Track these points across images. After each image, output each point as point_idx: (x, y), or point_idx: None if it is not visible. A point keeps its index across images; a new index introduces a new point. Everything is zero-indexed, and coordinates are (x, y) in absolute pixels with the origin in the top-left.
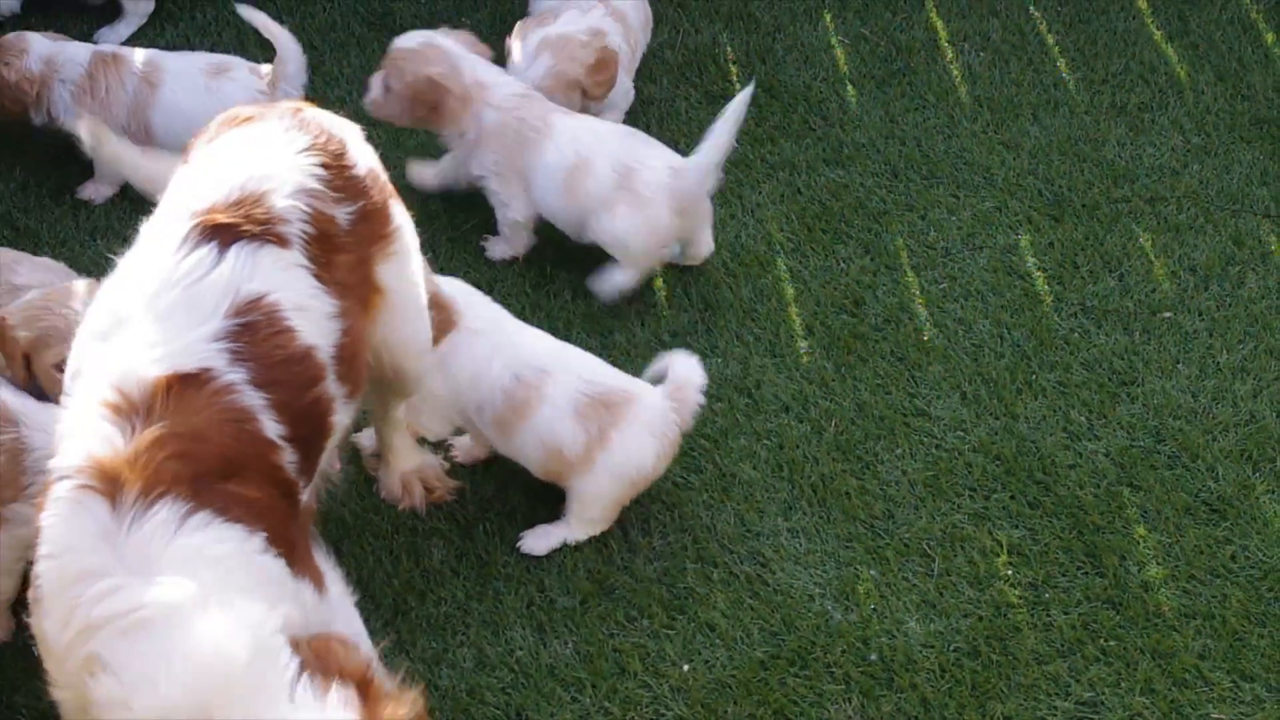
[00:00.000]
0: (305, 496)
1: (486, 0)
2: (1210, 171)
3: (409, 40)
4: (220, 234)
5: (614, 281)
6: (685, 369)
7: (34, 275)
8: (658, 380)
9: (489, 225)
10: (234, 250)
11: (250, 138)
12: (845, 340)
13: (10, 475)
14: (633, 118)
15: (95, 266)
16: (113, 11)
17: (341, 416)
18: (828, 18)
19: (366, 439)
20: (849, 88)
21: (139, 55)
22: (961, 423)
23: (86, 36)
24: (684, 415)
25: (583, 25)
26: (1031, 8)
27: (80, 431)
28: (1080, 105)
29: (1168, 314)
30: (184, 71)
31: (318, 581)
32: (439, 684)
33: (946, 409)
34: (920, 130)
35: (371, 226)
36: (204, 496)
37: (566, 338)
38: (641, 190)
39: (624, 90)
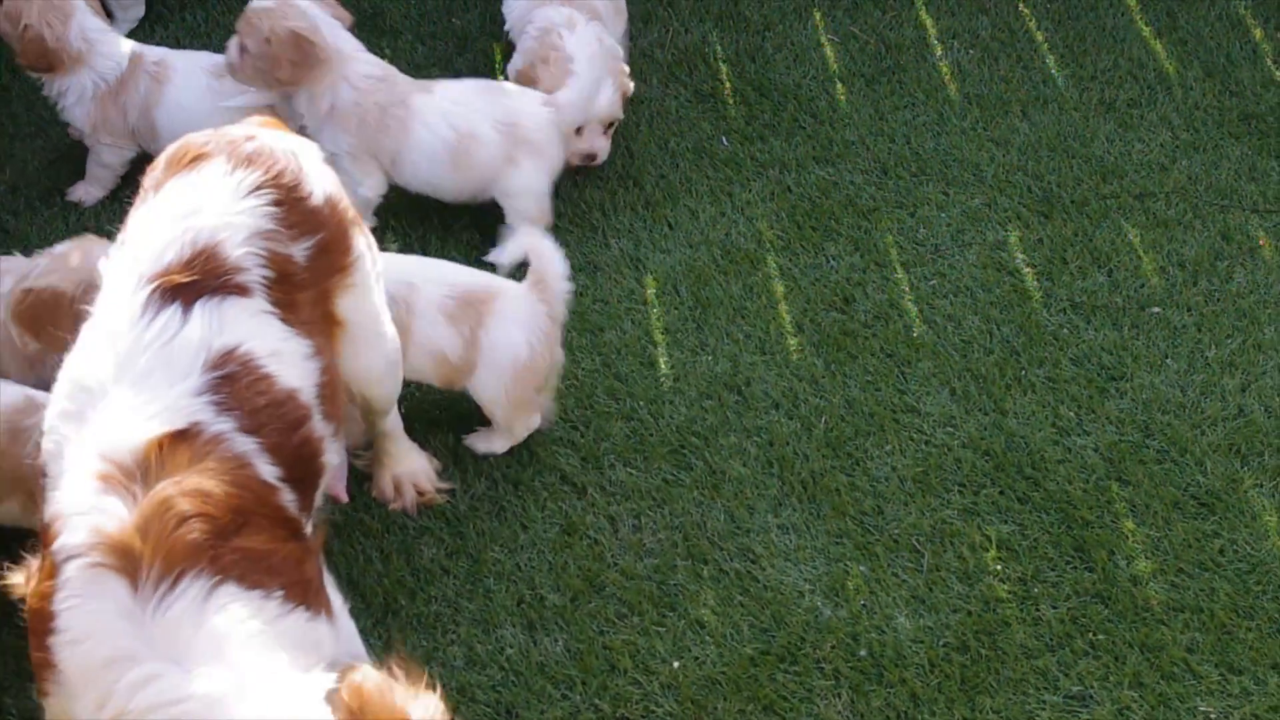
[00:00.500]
0: (309, 530)
1: (478, 1)
2: (1199, 167)
3: (264, 0)
4: (181, 293)
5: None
6: (543, 260)
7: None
8: (514, 270)
9: (478, 223)
10: (198, 307)
11: (197, 185)
12: (835, 337)
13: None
14: (630, 124)
15: None
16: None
17: (331, 455)
18: (817, 16)
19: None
20: (838, 86)
21: (152, 53)
22: (951, 419)
23: None
24: (552, 303)
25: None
26: (1020, 5)
27: (79, 509)
28: (1069, 102)
29: (1156, 309)
30: (190, 70)
31: (329, 611)
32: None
33: (936, 405)
34: (910, 128)
35: (330, 259)
36: (222, 563)
37: None
38: (534, 137)
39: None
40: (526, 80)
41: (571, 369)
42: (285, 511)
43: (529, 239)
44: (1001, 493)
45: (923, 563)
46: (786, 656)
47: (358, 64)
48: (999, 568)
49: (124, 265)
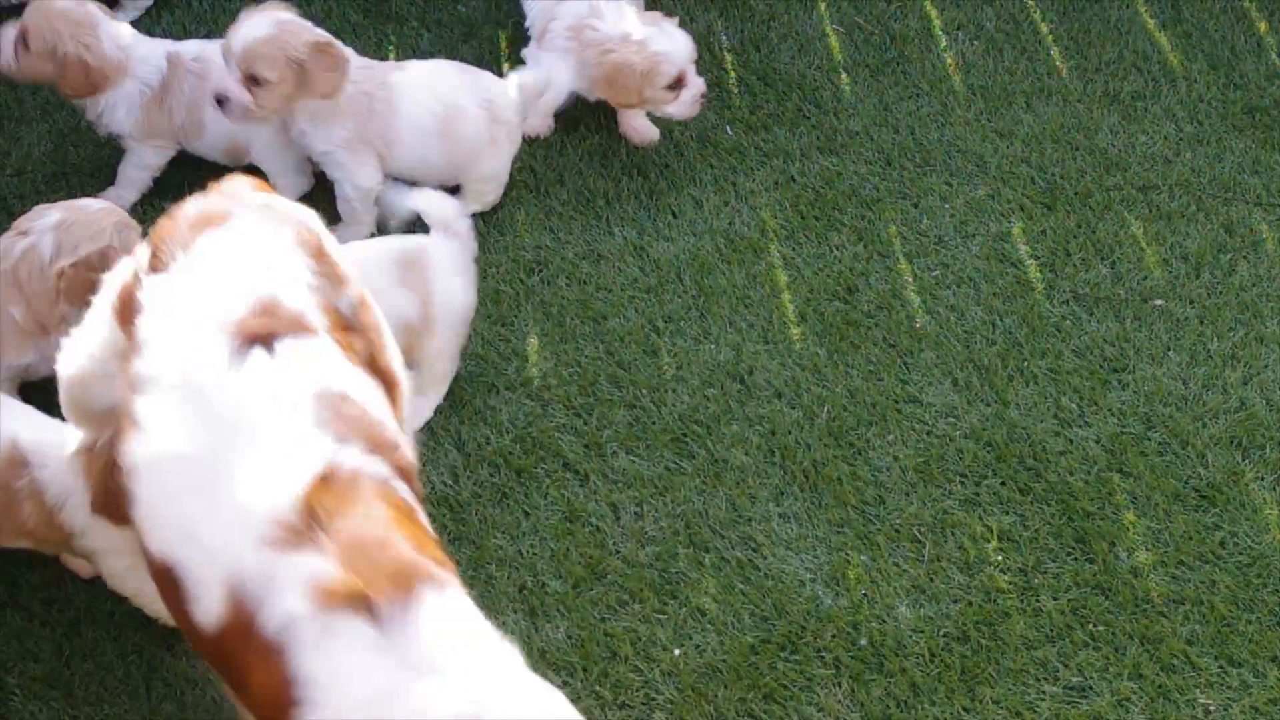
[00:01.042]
0: None
1: None
2: (1202, 160)
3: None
4: (261, 337)
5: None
6: (435, 206)
7: None
8: (408, 226)
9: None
10: (280, 348)
11: (237, 241)
12: (838, 327)
13: (44, 520)
14: None
15: None
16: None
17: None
18: (822, 6)
19: None
20: (843, 76)
21: (188, 49)
22: (953, 409)
23: None
24: (466, 241)
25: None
26: None
27: (273, 579)
28: (1073, 94)
29: (1159, 301)
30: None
31: None
32: None
33: (938, 395)
34: (914, 118)
35: (364, 315)
36: (434, 574)
37: (559, 324)
38: (507, 118)
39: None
40: (611, 82)
41: (574, 356)
42: (425, 527)
43: (413, 195)
44: (1003, 483)
45: (924, 553)
46: (787, 645)
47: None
48: (1000, 558)
49: (174, 326)
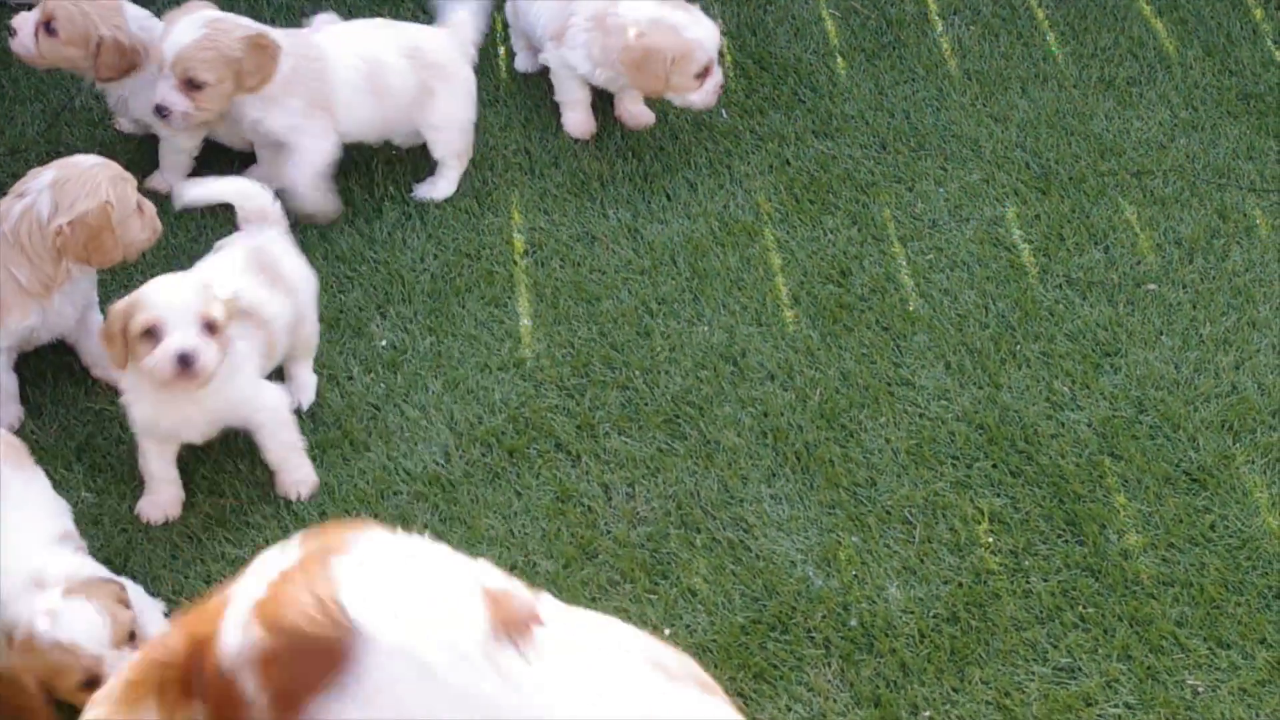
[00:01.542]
0: None
1: None
2: (1197, 146)
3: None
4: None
5: (444, 186)
6: (241, 192)
7: None
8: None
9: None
10: None
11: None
12: (831, 310)
13: None
14: None
15: None
16: None
17: None
18: None
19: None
20: (839, 60)
21: None
22: (945, 392)
23: None
24: (281, 223)
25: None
26: None
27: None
28: (1069, 79)
29: (1152, 286)
30: None
31: None
32: None
33: (931, 378)
34: (909, 103)
35: None
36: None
37: (553, 305)
38: (440, 59)
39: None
40: (640, 66)
41: (568, 337)
42: None
43: (214, 184)
44: (994, 466)
45: (914, 534)
46: (777, 625)
47: (273, 33)
48: (990, 540)
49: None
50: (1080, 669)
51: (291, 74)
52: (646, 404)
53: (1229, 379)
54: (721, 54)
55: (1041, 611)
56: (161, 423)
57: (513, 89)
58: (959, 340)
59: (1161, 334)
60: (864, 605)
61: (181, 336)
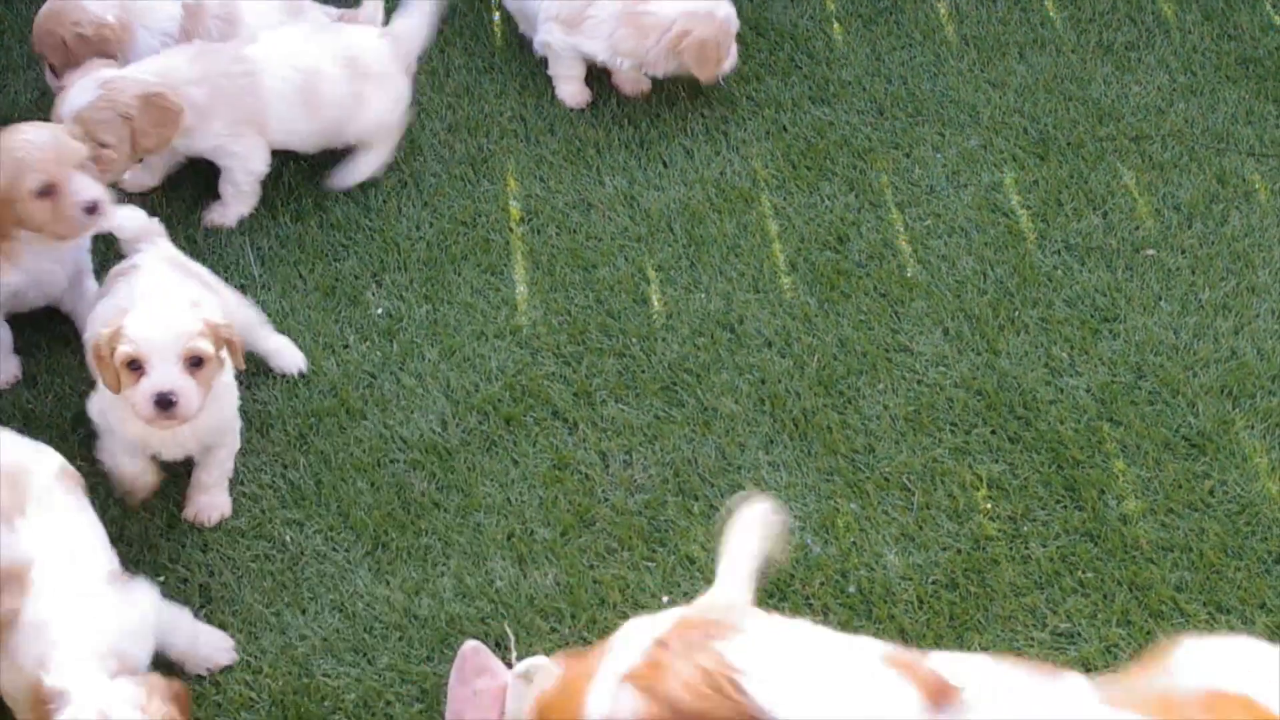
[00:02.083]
0: None
1: None
2: (1195, 110)
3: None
4: None
5: (366, 166)
6: (132, 224)
7: None
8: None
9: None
10: None
11: None
12: (829, 276)
13: None
14: None
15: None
16: None
17: None
18: None
19: None
20: (835, 25)
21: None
22: (943, 358)
23: None
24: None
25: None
26: None
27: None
28: (1067, 44)
29: (1151, 251)
30: (261, 11)
31: None
32: (418, 613)
33: (929, 345)
34: (906, 68)
35: None
36: None
37: (549, 273)
38: (376, 69)
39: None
40: (700, 58)
41: (564, 305)
42: None
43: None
44: (993, 432)
45: (913, 501)
46: (776, 593)
47: (179, 67)
48: (989, 506)
49: None
50: (1080, 634)
51: (208, 99)
52: (643, 371)
53: (1228, 344)
54: None
55: (1041, 577)
56: (151, 441)
57: (507, 56)
58: (957, 306)
59: (1160, 299)
60: (862, 572)
61: (161, 376)
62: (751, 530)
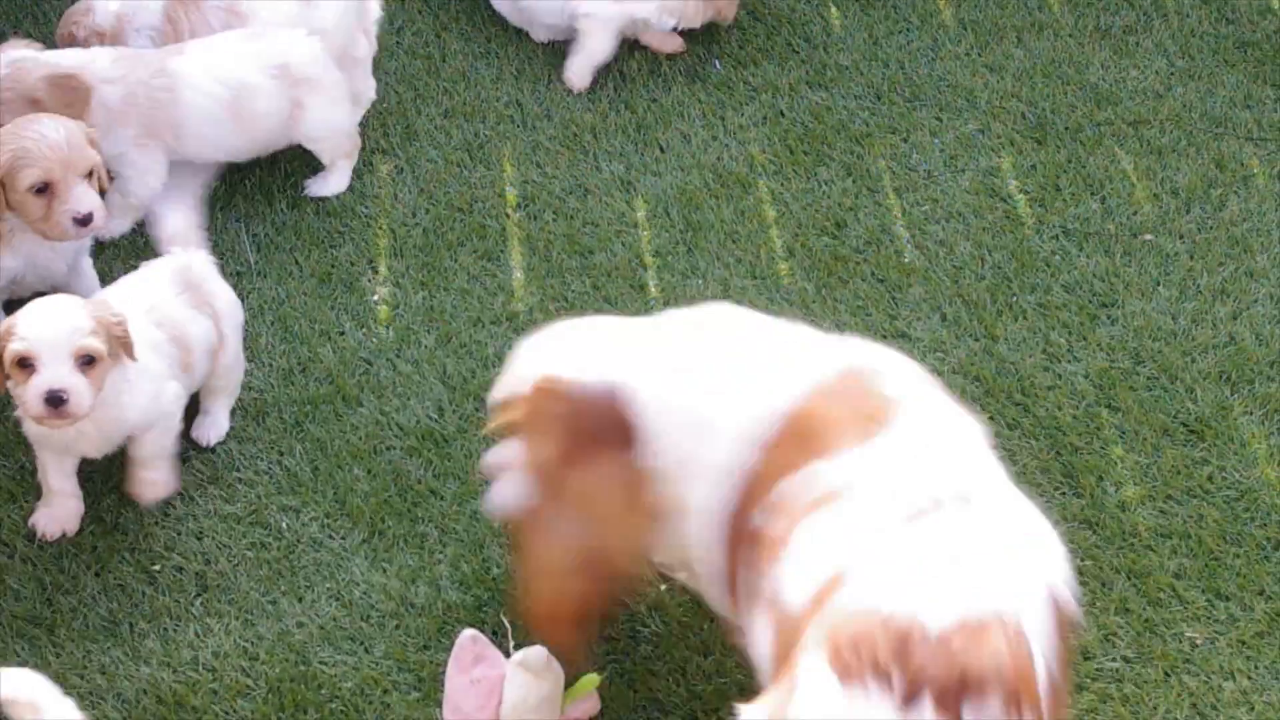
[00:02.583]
0: None
1: None
2: (1194, 95)
3: None
4: None
5: (336, 181)
6: (166, 219)
7: None
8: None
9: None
10: None
11: None
12: (826, 262)
13: None
14: (623, 48)
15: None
16: None
17: None
18: None
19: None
20: (832, 10)
21: None
22: (941, 344)
23: None
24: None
25: None
26: None
27: None
28: (1065, 28)
29: (1149, 236)
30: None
31: None
32: (415, 601)
33: (926, 330)
34: (904, 53)
35: None
36: None
37: (546, 259)
38: (310, 74)
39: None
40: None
41: (561, 290)
42: None
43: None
44: (991, 418)
45: None
46: None
47: (99, 62)
48: None
49: None
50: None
51: (122, 104)
52: None
53: (1226, 329)
54: None
55: None
56: (54, 437)
57: (504, 41)
58: (955, 292)
59: (1159, 284)
60: None
61: (51, 374)
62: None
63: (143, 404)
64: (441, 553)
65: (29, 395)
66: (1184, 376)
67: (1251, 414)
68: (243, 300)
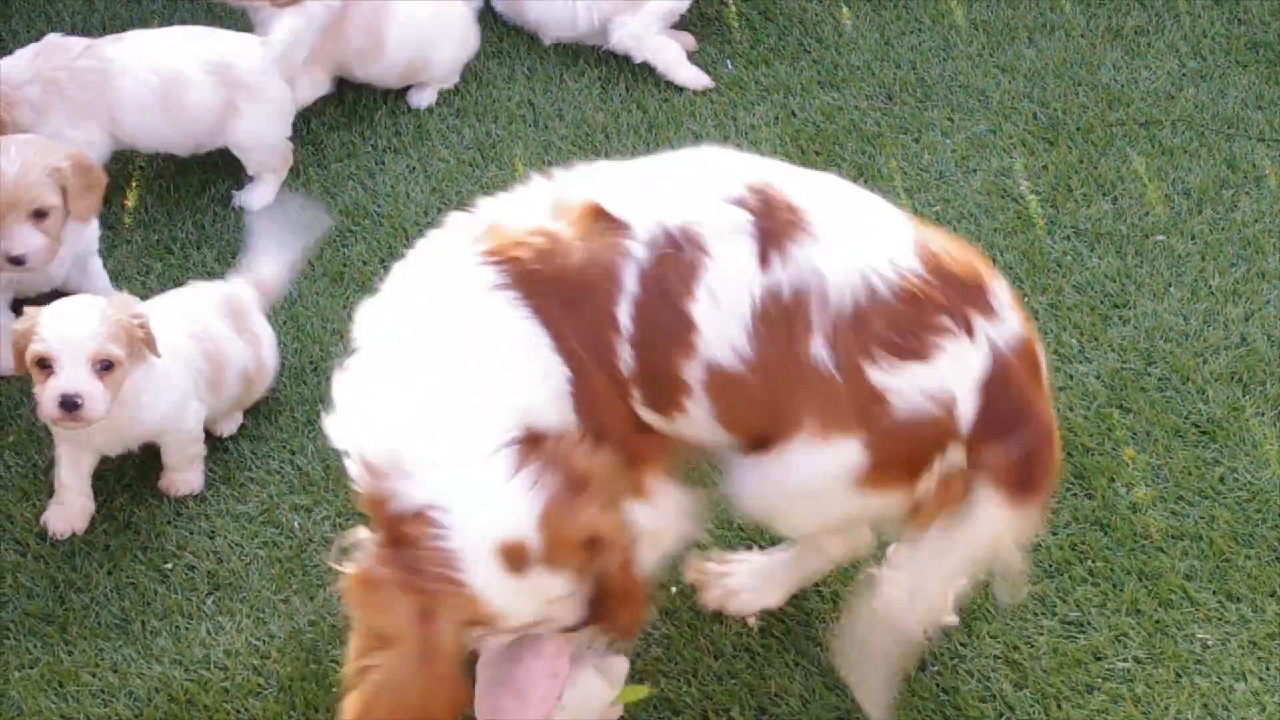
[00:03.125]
0: None
1: None
2: (1205, 95)
3: None
4: None
5: (261, 194)
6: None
7: None
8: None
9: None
10: None
11: None
12: None
13: None
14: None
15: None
16: None
17: None
18: None
19: None
20: (844, 10)
21: None
22: None
23: None
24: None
25: None
26: None
27: None
28: (1076, 28)
29: (1160, 237)
30: None
31: None
32: None
33: None
34: (915, 53)
35: None
36: None
37: None
38: (250, 80)
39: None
40: None
41: None
42: None
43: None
44: None
45: None
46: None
47: (19, 66)
48: None
49: None
50: (1089, 623)
51: (44, 95)
52: None
53: (1238, 330)
54: (725, 5)
55: (1050, 565)
56: (73, 434)
57: (516, 40)
58: None
59: (1170, 285)
60: (872, 560)
61: (68, 378)
62: None
63: (161, 409)
64: None
65: (45, 397)
66: (1195, 378)
67: (1263, 415)
68: None
